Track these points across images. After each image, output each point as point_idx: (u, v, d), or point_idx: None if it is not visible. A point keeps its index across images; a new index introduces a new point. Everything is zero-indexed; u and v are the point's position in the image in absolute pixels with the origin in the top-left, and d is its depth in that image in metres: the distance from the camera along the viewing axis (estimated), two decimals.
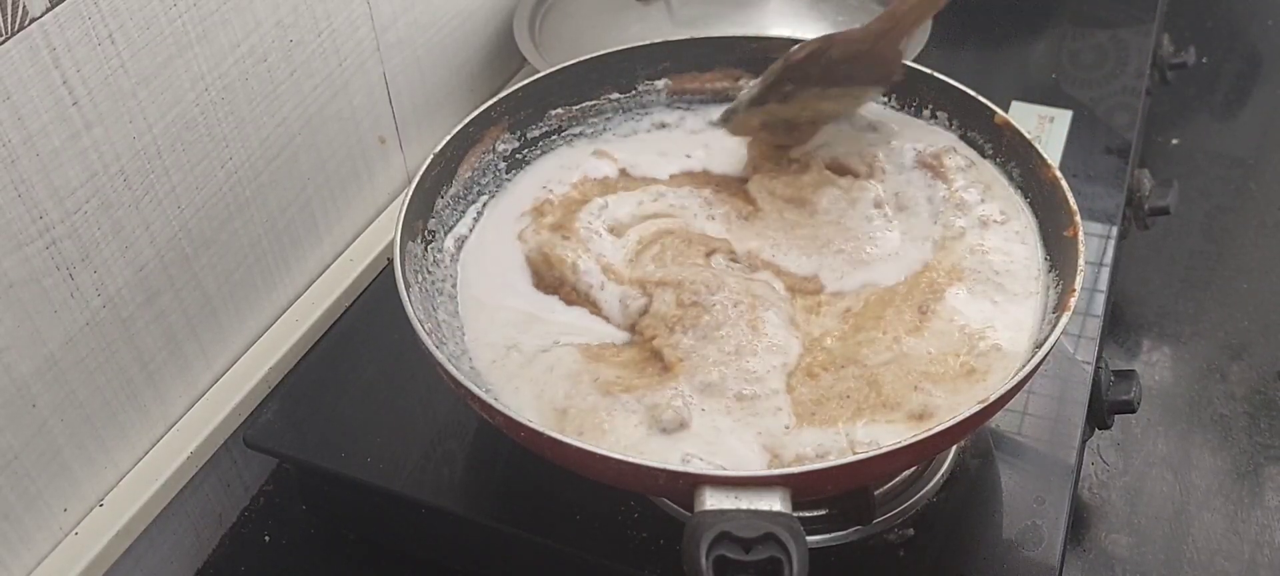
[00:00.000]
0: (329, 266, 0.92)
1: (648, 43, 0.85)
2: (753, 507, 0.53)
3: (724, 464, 0.61)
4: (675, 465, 0.60)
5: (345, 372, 0.80)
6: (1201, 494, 0.86)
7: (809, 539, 0.67)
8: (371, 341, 0.82)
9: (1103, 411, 0.78)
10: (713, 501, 0.54)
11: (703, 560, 0.51)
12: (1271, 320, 1.01)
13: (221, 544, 0.85)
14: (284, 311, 0.88)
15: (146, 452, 0.78)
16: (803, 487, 0.56)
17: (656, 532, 0.69)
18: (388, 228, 0.95)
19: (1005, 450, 0.73)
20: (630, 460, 0.57)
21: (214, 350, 0.82)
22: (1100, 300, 0.84)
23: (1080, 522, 0.84)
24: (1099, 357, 0.79)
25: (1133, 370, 0.81)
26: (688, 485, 0.55)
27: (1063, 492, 0.70)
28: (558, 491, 0.71)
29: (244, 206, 0.81)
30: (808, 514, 0.67)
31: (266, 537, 0.85)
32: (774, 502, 0.53)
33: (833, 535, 0.68)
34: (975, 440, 0.74)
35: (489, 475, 0.74)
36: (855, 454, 0.61)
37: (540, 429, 0.58)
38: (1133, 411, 0.79)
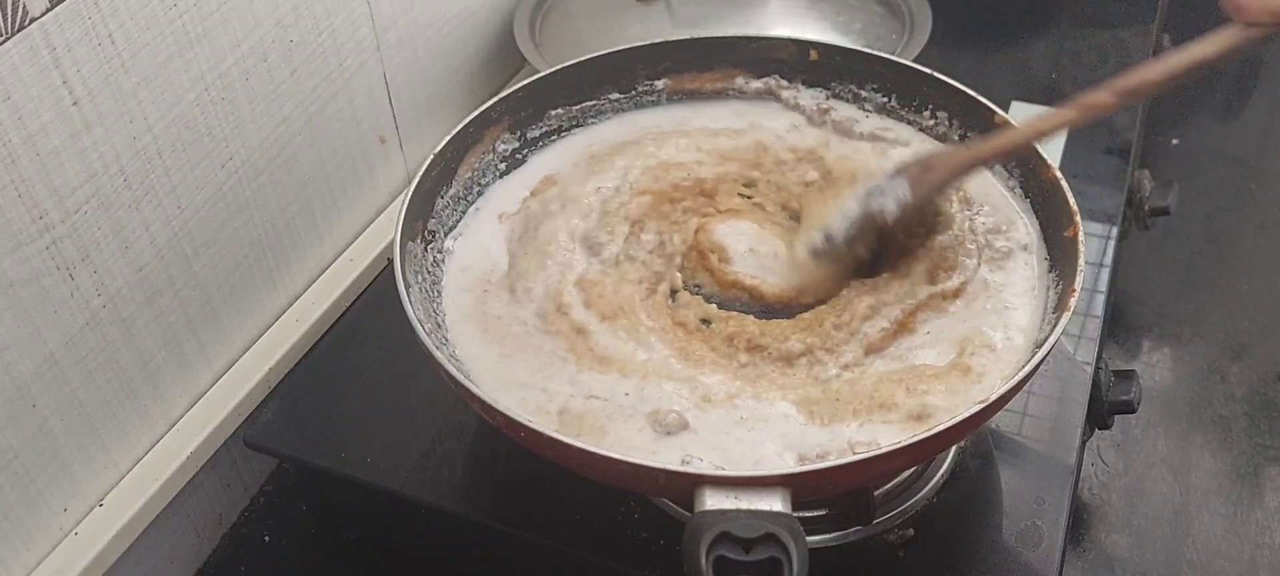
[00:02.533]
0: (329, 266, 0.92)
1: (648, 43, 0.85)
2: (752, 508, 0.53)
3: (739, 463, 0.61)
4: (675, 465, 0.60)
5: (345, 372, 0.80)
6: (1201, 494, 0.86)
7: (809, 539, 0.67)
8: (371, 341, 0.82)
9: (1103, 412, 0.78)
10: (713, 501, 0.53)
11: (703, 560, 0.51)
12: (1272, 321, 1.01)
13: (222, 544, 0.85)
14: (284, 311, 0.88)
15: (147, 452, 0.78)
16: (803, 488, 0.55)
17: (656, 532, 0.69)
18: (388, 228, 0.95)
19: (1005, 450, 0.73)
20: (630, 460, 0.57)
21: (214, 350, 0.82)
22: (1100, 300, 0.84)
23: (1080, 523, 0.84)
24: (1099, 358, 0.79)
25: (1133, 370, 0.81)
26: (687, 485, 0.55)
27: (1063, 493, 0.70)
28: (558, 491, 0.71)
29: (244, 206, 0.81)
30: (808, 514, 0.67)
31: (266, 537, 0.85)
32: (774, 503, 0.53)
33: (833, 535, 0.68)
34: (975, 441, 0.73)
35: (489, 475, 0.74)
36: (855, 454, 0.61)
37: (540, 429, 0.58)
38: (1133, 412, 0.79)
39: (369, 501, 0.77)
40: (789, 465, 0.60)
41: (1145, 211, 0.97)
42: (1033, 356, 0.60)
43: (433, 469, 0.74)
